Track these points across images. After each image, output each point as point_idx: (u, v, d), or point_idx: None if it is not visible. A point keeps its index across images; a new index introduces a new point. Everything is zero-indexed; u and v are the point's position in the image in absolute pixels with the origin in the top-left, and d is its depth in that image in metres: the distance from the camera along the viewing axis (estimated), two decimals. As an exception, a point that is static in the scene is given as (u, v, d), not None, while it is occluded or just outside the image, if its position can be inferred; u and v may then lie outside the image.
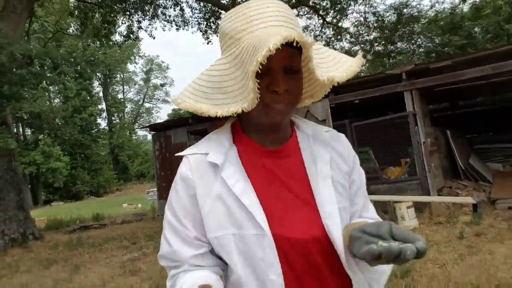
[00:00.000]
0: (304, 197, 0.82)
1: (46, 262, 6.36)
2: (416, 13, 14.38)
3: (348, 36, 14.45)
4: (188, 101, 0.80)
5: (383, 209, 6.27)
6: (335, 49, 16.17)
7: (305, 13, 13.61)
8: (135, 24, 10.67)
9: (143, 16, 10.54)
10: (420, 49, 15.20)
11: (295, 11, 13.58)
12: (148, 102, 52.56)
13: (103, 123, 43.83)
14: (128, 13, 10.23)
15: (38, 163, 26.81)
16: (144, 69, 49.42)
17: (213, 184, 0.81)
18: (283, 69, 0.76)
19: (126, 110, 51.01)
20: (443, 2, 15.36)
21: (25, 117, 6.76)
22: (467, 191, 7.06)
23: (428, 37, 14.53)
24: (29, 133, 29.10)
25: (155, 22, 13.88)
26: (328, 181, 0.83)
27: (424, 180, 6.68)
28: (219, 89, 0.78)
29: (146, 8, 10.37)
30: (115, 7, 9.76)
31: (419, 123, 6.76)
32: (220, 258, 0.84)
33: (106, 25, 10.37)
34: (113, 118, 45.79)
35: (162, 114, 69.51)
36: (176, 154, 0.93)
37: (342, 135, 0.95)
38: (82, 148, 30.26)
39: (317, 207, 0.81)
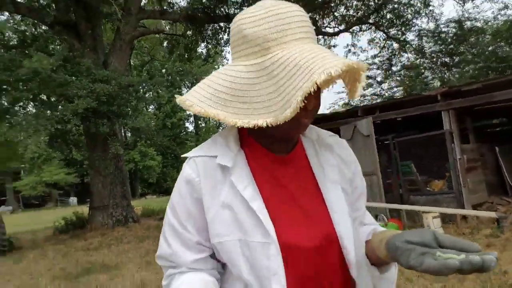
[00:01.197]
0: (313, 205, 0.82)
1: (141, 238, 8.66)
2: (479, 25, 14.06)
3: (412, 49, 14.68)
4: (201, 105, 0.77)
5: (412, 218, 7.01)
6: (400, 61, 16.43)
7: (367, 28, 14.27)
8: (212, 50, 12.83)
9: (218, 43, 12.59)
10: (479, 63, 14.75)
11: (357, 27, 14.34)
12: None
13: (190, 127, 48.35)
14: (205, 41, 12.36)
15: (136, 161, 31.07)
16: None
17: (221, 187, 0.80)
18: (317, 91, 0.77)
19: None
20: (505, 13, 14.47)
21: (129, 130, 8.86)
22: (509, 207, 7.36)
23: (491, 49, 14.13)
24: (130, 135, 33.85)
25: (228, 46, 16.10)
26: (337, 186, 0.84)
27: (459, 195, 7.22)
28: (240, 97, 0.74)
29: (220, 36, 12.36)
30: (195, 37, 11.86)
31: (455, 140, 7.31)
32: (218, 261, 0.84)
33: (189, 51, 12.60)
34: (199, 121, 50.07)
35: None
36: (182, 155, 0.90)
37: (344, 141, 0.95)
38: (172, 149, 34.14)
39: (328, 214, 0.81)
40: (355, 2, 13.72)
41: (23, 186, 30.73)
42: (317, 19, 14.15)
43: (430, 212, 6.54)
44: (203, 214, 0.80)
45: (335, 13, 14.13)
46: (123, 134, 34.95)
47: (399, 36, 14.52)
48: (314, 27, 0.79)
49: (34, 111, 8.06)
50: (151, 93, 37.17)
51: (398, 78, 16.46)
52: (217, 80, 0.77)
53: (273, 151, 0.84)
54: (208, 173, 0.81)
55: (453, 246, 0.65)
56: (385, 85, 16.79)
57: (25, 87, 7.86)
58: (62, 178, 30.17)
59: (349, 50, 15.85)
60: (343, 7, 14.03)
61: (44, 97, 9.47)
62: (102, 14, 10.54)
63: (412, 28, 14.31)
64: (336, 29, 14.43)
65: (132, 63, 14.94)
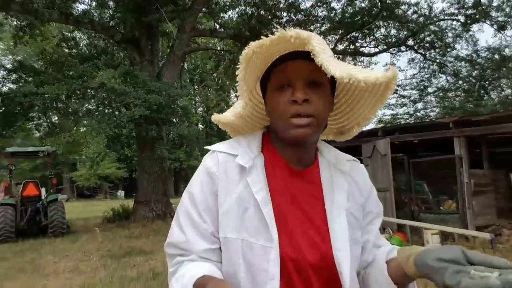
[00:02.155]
0: (317, 223, 0.83)
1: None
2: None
3: (449, 70, 14.98)
4: (224, 115, 0.91)
5: (417, 233, 7.67)
6: (437, 83, 16.68)
7: (406, 49, 14.80)
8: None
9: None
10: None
11: (395, 48, 14.90)
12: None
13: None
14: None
15: (181, 160, 33.02)
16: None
17: (236, 185, 0.83)
18: (304, 81, 0.79)
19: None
20: None
21: (174, 136, 10.23)
22: (510, 230, 7.78)
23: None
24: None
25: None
26: (342, 213, 0.85)
27: (463, 216, 7.77)
28: (239, 86, 0.84)
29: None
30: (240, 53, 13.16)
31: (464, 165, 7.87)
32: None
33: (233, 66, 13.84)
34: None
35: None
36: (205, 147, 0.93)
37: (362, 166, 0.96)
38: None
39: (329, 236, 0.82)
40: (394, 24, 14.33)
41: (78, 177, 33.65)
42: (357, 39, 14.96)
43: (430, 229, 7.20)
44: (217, 207, 0.83)
45: (375, 34, 14.82)
46: (170, 136, 37.53)
47: (439, 59, 14.90)
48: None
49: (98, 116, 9.61)
50: (200, 96, 39.48)
51: (433, 99, 16.76)
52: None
53: (289, 162, 0.87)
54: (227, 169, 0.84)
55: (482, 262, 0.65)
56: (419, 105, 17.16)
57: (93, 96, 9.48)
58: (113, 172, 32.70)
59: (388, 69, 16.41)
60: (384, 28, 14.71)
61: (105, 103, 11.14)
62: (160, 32, 12.12)
63: (452, 52, 14.65)
64: (376, 50, 15.10)
65: (185, 67, 16.64)
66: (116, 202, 18.02)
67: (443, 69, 14.93)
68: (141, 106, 9.19)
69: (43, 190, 10.60)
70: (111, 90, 8.86)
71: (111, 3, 11.28)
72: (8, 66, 13.71)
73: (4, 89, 11.86)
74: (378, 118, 19.16)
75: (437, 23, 13.92)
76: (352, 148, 10.18)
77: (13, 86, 12.10)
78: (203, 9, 12.28)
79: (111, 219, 12.61)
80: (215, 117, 0.92)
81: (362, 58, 16.05)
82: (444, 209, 8.73)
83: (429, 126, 8.72)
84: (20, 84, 11.85)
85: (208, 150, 0.90)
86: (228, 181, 0.83)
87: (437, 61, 14.50)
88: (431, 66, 15.09)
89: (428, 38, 14.06)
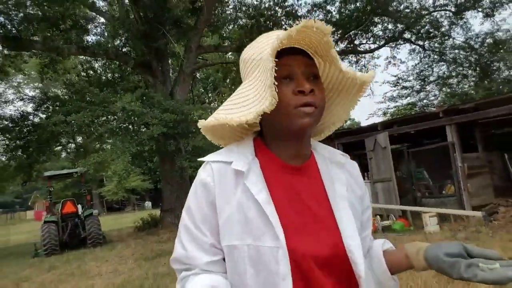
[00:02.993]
0: (323, 216, 0.84)
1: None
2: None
3: (448, 58, 15.42)
4: (209, 120, 0.86)
5: (418, 217, 8.33)
6: (439, 71, 17.12)
7: (404, 42, 15.34)
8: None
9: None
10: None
11: (391, 43, 15.46)
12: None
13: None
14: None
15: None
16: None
17: (234, 192, 0.82)
18: (305, 74, 0.82)
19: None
20: None
21: (190, 149, 11.21)
22: (506, 208, 8.33)
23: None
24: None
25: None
26: (346, 203, 0.86)
27: (459, 197, 8.39)
28: (243, 102, 0.83)
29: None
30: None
31: (457, 150, 8.48)
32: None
33: (239, 76, 14.64)
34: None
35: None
36: (198, 159, 0.94)
37: (355, 163, 0.98)
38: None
39: (337, 227, 0.83)
40: (389, 20, 14.91)
41: (106, 191, 35.30)
42: (356, 37, 15.60)
43: (428, 212, 7.86)
44: (216, 217, 0.82)
45: (373, 31, 15.43)
46: (188, 148, 38.89)
47: (437, 48, 15.37)
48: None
49: (121, 137, 10.67)
50: (215, 102, 40.77)
51: (435, 87, 17.13)
52: (229, 100, 0.87)
53: (286, 160, 0.87)
54: (222, 178, 0.84)
55: (480, 255, 0.76)
56: (422, 94, 17.53)
57: (115, 119, 10.54)
58: (139, 185, 34.18)
59: (389, 62, 16.95)
60: (380, 24, 15.29)
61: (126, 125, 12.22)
62: (169, 54, 13.14)
63: (449, 40, 15.10)
64: (374, 46, 15.70)
65: (198, 76, 17.70)
66: (144, 212, 19.17)
67: (443, 57, 15.37)
68: (158, 125, 10.19)
69: (79, 207, 11.77)
70: (131, 113, 9.88)
71: (121, 31, 12.34)
72: (37, 97, 15.02)
73: (36, 119, 13.12)
74: (383, 111, 19.71)
75: (431, 14, 14.43)
76: (356, 143, 10.91)
77: (43, 116, 13.37)
78: (205, 28, 13.20)
79: (141, 227, 13.73)
80: (214, 122, 0.85)
81: (364, 55, 16.64)
82: (446, 193, 9.34)
83: (424, 116, 9.35)
84: (49, 113, 13.11)
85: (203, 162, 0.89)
86: (225, 189, 0.83)
87: (436, 50, 14.96)
88: (431, 56, 15.54)
89: (424, 29, 14.56)
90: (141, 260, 7.97)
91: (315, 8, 14.85)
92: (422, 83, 16.86)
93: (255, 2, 14.53)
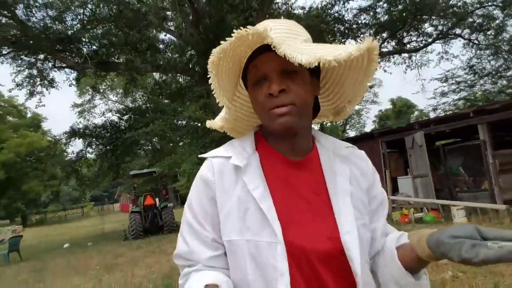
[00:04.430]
0: (322, 210, 0.83)
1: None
2: None
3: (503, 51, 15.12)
4: (215, 122, 0.96)
5: (447, 209, 9.04)
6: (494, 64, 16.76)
7: (455, 37, 15.39)
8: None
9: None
10: None
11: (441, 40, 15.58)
12: (357, 105, 57.25)
13: (315, 127, 51.82)
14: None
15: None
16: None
17: (234, 187, 0.84)
18: (278, 71, 0.81)
19: (336, 114, 57.51)
20: None
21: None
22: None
23: None
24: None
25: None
26: (347, 198, 0.84)
27: (491, 192, 8.92)
28: (214, 92, 0.86)
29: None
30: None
31: (488, 148, 9.00)
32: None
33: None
34: (324, 122, 52.88)
35: (371, 114, 73.59)
36: (199, 156, 0.97)
37: (363, 152, 0.96)
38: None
39: (336, 222, 0.82)
40: (437, 17, 15.13)
41: (180, 186, 38.78)
42: (402, 37, 16.04)
43: (456, 205, 8.57)
44: (217, 212, 0.84)
45: (421, 29, 15.73)
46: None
47: (492, 41, 15.22)
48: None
49: (188, 141, 12.67)
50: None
51: (491, 81, 16.65)
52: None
53: (285, 154, 0.87)
54: (223, 173, 0.85)
55: (497, 237, 0.64)
56: (475, 89, 17.11)
57: (184, 126, 12.55)
58: (208, 180, 37.05)
59: (442, 57, 17.01)
60: (428, 22, 15.55)
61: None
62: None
63: (504, 32, 14.89)
64: (424, 43, 15.99)
65: None
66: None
67: (498, 50, 15.10)
68: (216, 130, 12.02)
69: (157, 200, 14.12)
70: (196, 120, 11.81)
71: (186, 49, 14.37)
72: (122, 108, 17.84)
73: (122, 127, 15.78)
74: (433, 107, 19.52)
75: (482, 7, 14.35)
76: (398, 141, 11.71)
77: (127, 124, 16.02)
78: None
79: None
80: (209, 124, 0.95)
81: (415, 53, 16.92)
82: (484, 188, 9.83)
83: (457, 116, 9.92)
84: (131, 122, 15.68)
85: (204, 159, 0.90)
86: (225, 184, 0.84)
87: (489, 44, 14.77)
88: (484, 49, 15.31)
89: (476, 23, 14.50)
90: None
91: (361, 12, 15.60)
92: (474, 77, 16.61)
93: (304, 12, 15.73)
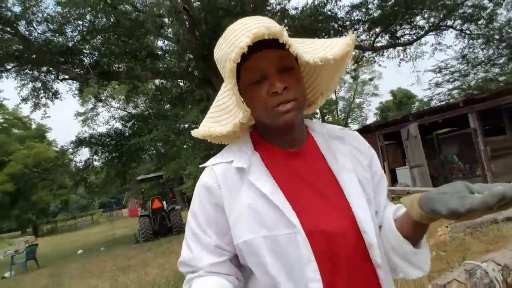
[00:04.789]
0: (330, 191, 0.85)
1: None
2: None
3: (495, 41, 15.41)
4: (201, 129, 0.88)
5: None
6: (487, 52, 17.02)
7: (446, 29, 15.70)
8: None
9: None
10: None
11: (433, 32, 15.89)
12: (358, 98, 57.37)
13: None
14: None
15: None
16: (353, 67, 54.56)
17: (240, 189, 0.84)
18: (277, 69, 0.81)
19: (338, 108, 57.56)
20: None
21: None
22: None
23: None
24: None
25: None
26: (352, 174, 0.87)
27: (484, 177, 9.28)
28: (224, 110, 0.87)
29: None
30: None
31: (479, 135, 9.35)
32: (240, 266, 0.87)
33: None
34: (325, 117, 52.75)
35: (372, 107, 73.28)
36: (200, 166, 0.97)
37: (356, 132, 0.98)
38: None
39: (346, 200, 0.84)
40: (429, 10, 15.44)
41: (186, 188, 39.23)
42: (395, 31, 16.35)
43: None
44: (224, 218, 0.84)
45: (413, 23, 16.04)
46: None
47: (483, 31, 15.50)
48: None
49: (191, 145, 13.08)
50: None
51: (486, 69, 16.92)
52: (213, 104, 0.89)
53: (284, 148, 0.89)
54: (226, 178, 0.86)
55: (484, 190, 0.66)
56: (469, 78, 17.39)
57: (183, 132, 12.99)
58: (214, 181, 37.49)
59: (435, 48, 17.30)
60: (419, 16, 15.86)
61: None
62: (225, 69, 15.33)
63: (495, 21, 15.17)
64: (416, 36, 16.30)
65: None
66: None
67: (490, 38, 15.37)
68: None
69: (164, 203, 14.56)
70: (198, 124, 12.24)
71: (185, 55, 14.78)
72: (125, 116, 18.29)
73: (126, 134, 16.23)
74: (428, 97, 19.81)
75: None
76: (394, 133, 12.07)
77: (130, 131, 16.46)
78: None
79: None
80: (203, 134, 0.88)
81: (409, 46, 17.21)
82: (478, 174, 10.19)
83: (450, 106, 10.27)
84: (135, 128, 16.12)
85: (204, 168, 0.91)
86: (231, 189, 0.85)
87: (481, 33, 15.06)
88: (476, 39, 15.59)
89: (466, 13, 14.79)
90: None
91: (353, 9, 15.93)
92: (467, 67, 16.90)
93: (298, 12, 16.08)
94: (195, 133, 0.90)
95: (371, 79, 55.85)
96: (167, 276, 6.60)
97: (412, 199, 0.79)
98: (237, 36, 0.80)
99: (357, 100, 57.45)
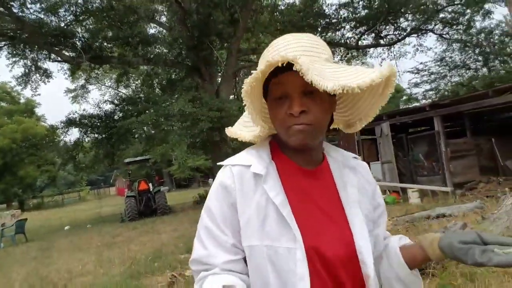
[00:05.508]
0: (336, 217, 0.88)
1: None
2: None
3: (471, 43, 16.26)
4: (233, 130, 0.98)
5: (405, 191, 10.31)
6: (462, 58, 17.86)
7: (427, 32, 16.47)
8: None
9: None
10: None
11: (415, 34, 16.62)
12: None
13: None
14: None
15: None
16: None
17: (254, 194, 0.86)
18: (300, 91, 0.84)
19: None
20: None
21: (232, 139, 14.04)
22: (486, 184, 9.96)
23: None
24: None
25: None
26: (357, 206, 0.90)
27: (443, 176, 10.18)
28: (250, 117, 0.88)
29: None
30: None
31: (441, 137, 10.20)
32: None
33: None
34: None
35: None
36: (218, 163, 0.96)
37: (365, 164, 1.03)
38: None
39: (350, 229, 0.87)
40: (411, 12, 16.15)
41: (174, 170, 39.81)
42: (379, 31, 17.04)
43: (412, 188, 9.82)
44: (237, 218, 0.86)
45: (396, 24, 16.76)
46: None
47: (461, 35, 16.31)
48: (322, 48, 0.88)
49: (178, 131, 13.74)
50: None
51: (460, 73, 17.83)
52: (247, 105, 0.86)
53: (300, 164, 0.92)
54: (243, 180, 0.88)
55: (496, 242, 0.77)
56: (445, 80, 18.32)
57: (173, 116, 13.64)
58: (203, 163, 38.13)
59: (417, 49, 18.08)
60: (402, 18, 16.57)
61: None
62: (214, 60, 15.92)
63: (473, 27, 15.97)
64: (398, 37, 17.04)
65: (241, 75, 20.48)
66: (208, 188, 22.55)
67: (467, 43, 16.18)
68: (205, 121, 13.07)
69: (150, 185, 15.27)
70: (185, 113, 12.87)
71: (175, 44, 15.29)
72: (116, 99, 18.77)
73: (115, 117, 16.76)
74: (407, 96, 20.67)
75: (453, 4, 15.37)
76: (371, 129, 12.89)
77: (120, 114, 16.99)
78: (243, 34, 15.67)
79: (199, 201, 17.03)
80: (232, 134, 0.98)
81: (393, 46, 17.95)
82: (440, 172, 11.09)
83: (418, 109, 11.09)
84: (124, 112, 16.67)
85: (221, 166, 0.94)
86: (245, 192, 0.87)
87: (460, 37, 15.87)
88: (453, 44, 16.42)
89: (445, 19, 15.55)
90: (194, 223, 10.99)
91: (341, 7, 16.54)
92: (443, 70, 17.77)
93: (288, 7, 16.62)
94: (228, 131, 1.00)
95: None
96: (147, 252, 7.38)
97: (431, 241, 0.86)
98: (276, 52, 0.86)
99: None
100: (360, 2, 15.84)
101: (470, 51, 16.57)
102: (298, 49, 0.84)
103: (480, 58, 16.58)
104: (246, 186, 0.87)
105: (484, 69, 16.71)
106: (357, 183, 0.95)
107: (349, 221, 0.88)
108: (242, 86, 0.81)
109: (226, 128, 0.99)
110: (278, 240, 0.82)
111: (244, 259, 0.87)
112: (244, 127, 0.98)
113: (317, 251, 0.83)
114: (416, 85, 19.04)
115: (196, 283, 0.86)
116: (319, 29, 16.85)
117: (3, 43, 15.32)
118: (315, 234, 0.84)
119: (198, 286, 0.85)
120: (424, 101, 19.38)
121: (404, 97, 44.52)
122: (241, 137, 0.97)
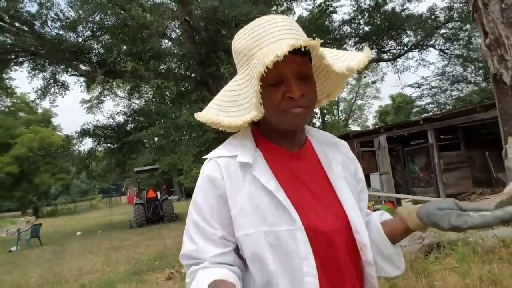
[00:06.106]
0: (326, 194, 0.91)
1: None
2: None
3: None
4: (208, 115, 0.90)
5: (398, 202, 10.71)
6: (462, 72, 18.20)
7: (427, 47, 16.95)
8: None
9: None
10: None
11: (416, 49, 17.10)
12: (359, 100, 58.19)
13: (317, 123, 52.77)
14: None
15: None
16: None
17: (243, 184, 0.86)
18: (296, 76, 0.84)
19: (340, 108, 58.48)
20: None
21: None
22: (479, 195, 10.30)
23: None
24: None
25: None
26: (344, 181, 0.94)
27: (436, 187, 10.57)
28: (234, 102, 0.87)
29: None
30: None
31: (435, 150, 10.62)
32: (240, 258, 0.87)
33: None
34: (325, 118, 53.49)
35: (372, 109, 73.93)
36: (203, 157, 0.96)
37: (345, 142, 1.05)
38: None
39: (340, 203, 0.90)
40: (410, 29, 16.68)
41: (184, 180, 40.53)
42: (382, 46, 17.59)
43: (406, 198, 10.24)
44: (227, 210, 0.86)
45: (397, 40, 17.29)
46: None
47: (461, 51, 16.74)
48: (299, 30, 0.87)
49: (185, 142, 14.43)
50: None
51: (461, 87, 18.18)
52: (223, 92, 0.90)
53: (285, 148, 0.93)
54: (230, 171, 0.87)
55: (472, 208, 0.81)
56: (446, 94, 18.65)
57: (179, 129, 14.33)
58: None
59: (419, 64, 18.55)
60: (404, 34, 17.10)
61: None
62: (221, 74, 16.69)
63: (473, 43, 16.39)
64: (400, 52, 17.56)
65: None
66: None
67: (467, 58, 16.57)
68: (211, 131, 13.73)
69: (158, 193, 15.94)
70: (192, 124, 13.57)
71: (185, 59, 16.09)
72: (128, 111, 19.65)
73: (127, 128, 17.58)
74: (419, 108, 20.86)
75: (452, 21, 15.85)
76: (369, 142, 13.36)
77: (132, 125, 17.82)
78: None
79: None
80: (208, 120, 0.90)
81: (396, 60, 18.46)
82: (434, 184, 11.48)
83: (413, 123, 11.55)
84: (135, 123, 17.48)
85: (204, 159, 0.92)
86: (234, 182, 0.87)
87: (459, 53, 16.29)
88: (453, 59, 16.83)
89: (446, 35, 16.02)
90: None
91: (344, 24, 17.17)
92: (444, 84, 18.15)
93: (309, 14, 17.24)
94: (198, 116, 0.91)
95: (373, 82, 57.08)
96: (150, 254, 7.97)
97: (409, 211, 0.91)
98: (267, 33, 0.84)
99: (359, 102, 58.23)
100: (361, 21, 16.42)
101: (472, 66, 16.93)
102: (292, 32, 0.85)
103: (480, 72, 16.91)
104: (234, 177, 0.87)
105: (484, 84, 17.04)
106: (341, 160, 0.98)
107: (339, 196, 0.91)
108: (242, 58, 0.87)
109: (195, 114, 0.92)
110: (277, 225, 0.83)
111: (235, 251, 0.88)
112: (223, 112, 0.89)
113: (315, 230, 0.85)
114: (418, 98, 19.50)
115: (188, 277, 0.87)
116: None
117: (24, 58, 16.39)
118: (310, 213, 0.86)
119: (190, 280, 0.86)
120: (426, 114, 19.74)
121: (416, 109, 44.75)
122: (223, 123, 0.88)
